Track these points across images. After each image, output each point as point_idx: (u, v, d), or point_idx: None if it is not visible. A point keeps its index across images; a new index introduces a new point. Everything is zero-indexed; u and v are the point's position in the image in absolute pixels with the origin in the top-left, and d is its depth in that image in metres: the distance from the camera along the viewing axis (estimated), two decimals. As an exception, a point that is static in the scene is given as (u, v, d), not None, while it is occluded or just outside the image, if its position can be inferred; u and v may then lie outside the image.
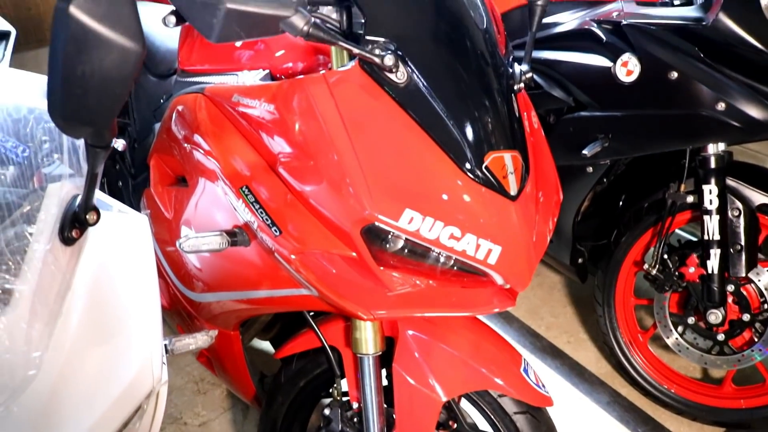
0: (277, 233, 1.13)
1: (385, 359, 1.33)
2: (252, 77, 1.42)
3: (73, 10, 0.72)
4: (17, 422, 0.83)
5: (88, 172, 0.87)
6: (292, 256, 1.12)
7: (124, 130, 2.23)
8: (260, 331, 1.78)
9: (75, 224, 0.93)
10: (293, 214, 1.12)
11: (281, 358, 1.53)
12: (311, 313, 1.43)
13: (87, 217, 0.92)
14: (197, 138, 1.41)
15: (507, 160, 1.08)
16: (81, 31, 0.73)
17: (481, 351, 1.30)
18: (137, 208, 2.03)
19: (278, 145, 1.16)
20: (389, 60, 1.03)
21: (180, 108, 1.53)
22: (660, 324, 2.13)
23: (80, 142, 1.05)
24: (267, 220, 1.14)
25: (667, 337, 2.12)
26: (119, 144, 2.09)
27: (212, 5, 0.91)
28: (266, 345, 2.11)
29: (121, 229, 1.06)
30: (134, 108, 2.20)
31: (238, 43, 1.47)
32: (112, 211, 1.13)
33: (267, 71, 1.43)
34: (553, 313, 2.64)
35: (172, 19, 1.07)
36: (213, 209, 1.37)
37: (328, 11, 1.24)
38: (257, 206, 1.17)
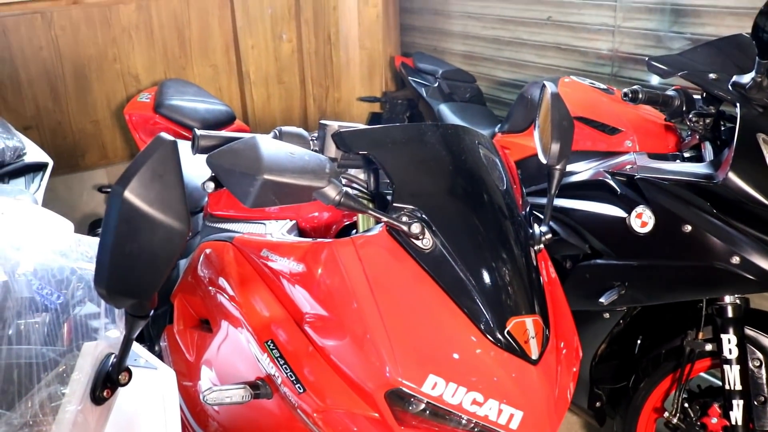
0: (301, 390, 1.14)
1: None
2: (279, 227, 1.48)
3: (128, 194, 0.78)
4: None
5: (124, 337, 0.91)
6: (315, 414, 1.13)
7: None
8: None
9: (107, 384, 0.95)
10: (317, 371, 1.14)
11: None
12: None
13: (119, 377, 0.95)
14: (223, 283, 1.45)
15: (528, 324, 1.11)
16: (133, 213, 0.79)
17: None
18: (155, 338, 2.06)
19: (304, 301, 1.20)
20: (416, 228, 1.09)
21: (208, 251, 1.59)
22: (683, 475, 2.07)
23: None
24: (291, 376, 1.16)
25: (692, 490, 2.05)
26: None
27: (250, 176, 0.97)
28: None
29: (150, 385, 1.08)
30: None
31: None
32: (140, 361, 1.16)
33: (294, 222, 1.49)
34: (572, 456, 2.56)
35: (211, 185, 1.14)
36: (236, 357, 1.38)
37: (356, 172, 1.31)
38: (282, 361, 1.19)
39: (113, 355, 0.97)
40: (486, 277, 1.11)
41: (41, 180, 2.68)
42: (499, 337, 1.08)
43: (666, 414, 2.04)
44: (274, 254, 1.29)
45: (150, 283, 0.83)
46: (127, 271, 0.82)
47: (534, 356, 1.10)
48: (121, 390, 1.00)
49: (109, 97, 3.62)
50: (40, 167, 2.71)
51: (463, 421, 1.10)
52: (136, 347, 1.21)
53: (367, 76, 4.11)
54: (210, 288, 1.54)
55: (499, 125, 2.68)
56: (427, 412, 1.10)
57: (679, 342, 2.02)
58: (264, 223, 1.53)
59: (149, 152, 0.81)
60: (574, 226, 2.04)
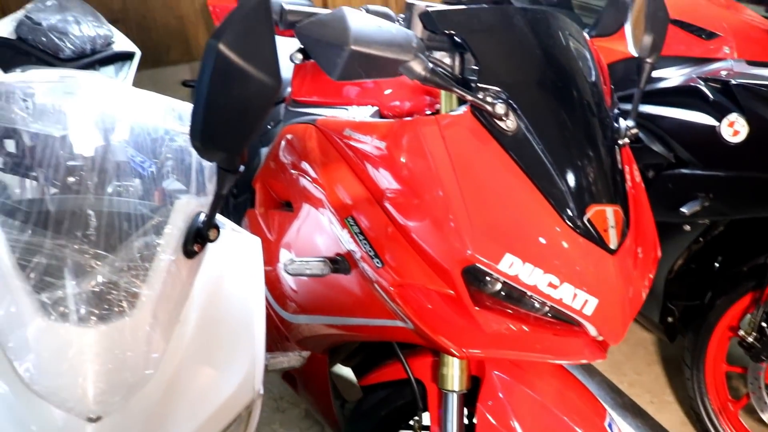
0: (379, 265, 1.17)
1: (468, 398, 1.34)
2: (362, 113, 1.49)
3: (222, 46, 0.80)
4: (130, 417, 0.90)
5: (215, 192, 0.94)
6: (392, 288, 1.16)
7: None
8: (345, 357, 1.82)
9: (197, 239, 1.00)
10: (396, 247, 1.17)
11: (365, 385, 1.56)
12: (399, 345, 1.46)
13: (209, 233, 1.00)
14: (306, 166, 1.48)
15: (609, 213, 1.09)
16: (226, 65, 0.81)
17: (565, 400, 1.30)
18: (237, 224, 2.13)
19: (385, 180, 1.21)
20: (500, 108, 1.07)
21: (290, 137, 1.62)
22: (754, 395, 2.04)
23: (206, 164, 1.14)
24: (370, 251, 1.19)
25: (762, 411, 2.03)
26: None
27: (337, 46, 0.97)
28: (348, 371, 2.15)
29: (236, 248, 1.13)
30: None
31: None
32: (226, 229, 1.21)
33: (376, 108, 1.49)
34: (637, 370, 2.57)
35: (299, 56, 1.15)
36: (316, 235, 1.43)
37: (441, 56, 1.29)
38: (361, 237, 1.22)
39: (203, 213, 1.02)
40: (568, 162, 1.09)
41: (129, 69, 2.76)
42: (579, 223, 1.07)
43: (741, 332, 2.00)
44: (357, 133, 1.30)
45: (241, 137, 0.86)
46: (219, 124, 0.84)
47: (612, 246, 1.09)
48: (210, 247, 1.05)
49: (193, -9, 3.65)
50: (128, 56, 2.78)
51: (537, 305, 1.11)
52: (220, 217, 1.27)
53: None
54: (292, 171, 1.58)
55: (587, 28, 2.57)
56: (503, 293, 1.11)
57: (762, 260, 1.97)
58: (346, 109, 1.54)
59: (243, 8, 0.82)
60: (660, 133, 1.97)
